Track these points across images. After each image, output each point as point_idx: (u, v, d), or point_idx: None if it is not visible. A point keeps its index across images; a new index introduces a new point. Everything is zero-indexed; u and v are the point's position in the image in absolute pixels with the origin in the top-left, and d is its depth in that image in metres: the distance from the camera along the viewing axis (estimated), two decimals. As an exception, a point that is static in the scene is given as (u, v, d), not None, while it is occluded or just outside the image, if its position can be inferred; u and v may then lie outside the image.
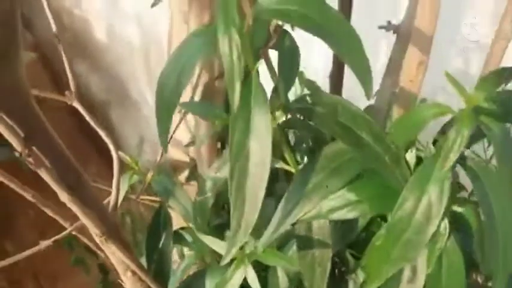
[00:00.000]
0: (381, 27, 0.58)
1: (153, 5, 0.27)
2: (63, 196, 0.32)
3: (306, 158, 0.42)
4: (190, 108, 0.38)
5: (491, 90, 0.26)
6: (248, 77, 0.27)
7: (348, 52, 0.25)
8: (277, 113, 0.33)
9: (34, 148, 0.29)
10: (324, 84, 0.76)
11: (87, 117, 0.36)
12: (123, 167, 0.43)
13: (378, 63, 0.89)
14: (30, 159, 0.28)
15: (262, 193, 0.27)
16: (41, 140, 0.31)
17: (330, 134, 0.31)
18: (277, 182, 0.44)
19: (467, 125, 0.25)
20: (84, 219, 0.34)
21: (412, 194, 0.28)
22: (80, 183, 0.35)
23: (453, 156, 0.25)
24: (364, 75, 0.25)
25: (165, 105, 0.27)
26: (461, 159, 0.30)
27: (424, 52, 0.42)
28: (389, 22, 0.56)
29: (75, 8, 1.64)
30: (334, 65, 0.69)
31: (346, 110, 0.32)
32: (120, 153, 0.40)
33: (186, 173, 0.51)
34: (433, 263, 0.32)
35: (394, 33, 0.56)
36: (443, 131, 0.30)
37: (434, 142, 0.33)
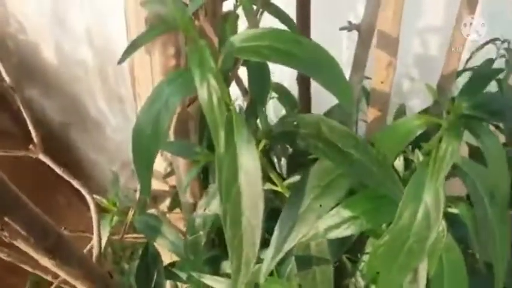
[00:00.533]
0: (342, 29, 0.58)
1: (119, 62, 0.25)
2: (44, 261, 0.30)
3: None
4: (169, 149, 0.37)
5: (475, 96, 0.26)
6: (228, 112, 0.26)
7: (329, 80, 0.25)
8: (262, 141, 0.32)
9: (8, 220, 0.27)
10: (291, 85, 0.76)
11: (56, 169, 0.33)
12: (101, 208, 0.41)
13: (343, 58, 0.91)
14: (5, 233, 0.26)
15: (259, 229, 0.26)
16: (13, 211, 0.28)
17: (316, 155, 0.30)
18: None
19: (455, 135, 0.25)
20: (69, 279, 0.32)
21: (409, 205, 0.28)
22: (59, 243, 0.32)
23: (446, 167, 0.26)
24: (346, 102, 0.25)
25: (144, 158, 0.25)
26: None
27: (391, 54, 0.42)
28: (349, 22, 0.57)
29: (20, 34, 1.55)
30: (300, 72, 0.69)
31: (330, 128, 0.31)
32: (96, 197, 0.38)
33: (167, 202, 0.49)
34: (435, 264, 0.32)
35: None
36: (427, 133, 0.30)
37: (418, 145, 0.33)
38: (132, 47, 0.25)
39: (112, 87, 1.45)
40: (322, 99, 0.76)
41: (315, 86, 0.74)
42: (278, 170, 0.69)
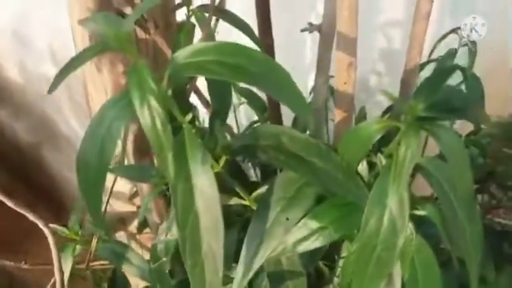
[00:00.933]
0: (302, 30, 0.57)
1: (49, 92, 0.24)
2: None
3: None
4: (124, 173, 0.35)
5: (431, 96, 0.26)
6: (180, 131, 0.25)
7: (283, 94, 0.24)
8: (222, 158, 0.31)
9: None
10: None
11: (9, 203, 0.31)
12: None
13: (307, 60, 0.90)
14: None
15: (221, 254, 0.24)
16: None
17: (279, 167, 0.29)
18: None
19: (413, 138, 0.25)
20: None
21: (374, 212, 0.27)
22: (13, 285, 0.30)
23: (407, 171, 0.25)
24: (302, 112, 0.23)
25: (91, 190, 0.23)
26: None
27: (351, 54, 0.42)
28: (310, 24, 0.56)
29: (-23, 55, 1.49)
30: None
31: (291, 138, 0.30)
32: (57, 227, 0.36)
33: (136, 223, 0.47)
34: (407, 268, 0.32)
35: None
36: (389, 134, 0.29)
37: (380, 149, 0.32)
38: (65, 71, 0.23)
39: (79, 103, 1.41)
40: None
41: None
42: (255, 176, 0.68)
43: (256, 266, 0.31)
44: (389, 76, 0.87)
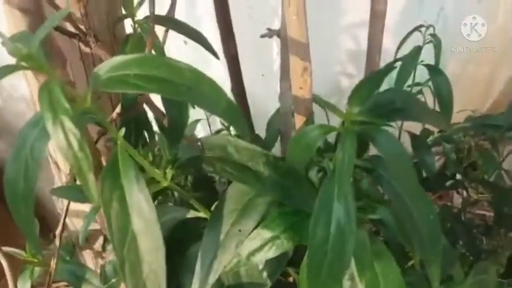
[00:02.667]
0: (262, 36, 0.57)
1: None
2: None
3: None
4: (63, 195, 0.34)
5: (365, 101, 0.25)
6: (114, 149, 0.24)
7: (210, 105, 0.23)
8: (167, 171, 0.30)
9: None
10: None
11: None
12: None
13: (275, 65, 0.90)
14: None
15: (163, 274, 0.24)
16: None
17: (225, 178, 0.29)
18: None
19: (350, 142, 0.24)
20: None
21: (321, 219, 0.27)
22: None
23: (346, 175, 0.25)
24: (235, 122, 0.23)
25: (23, 214, 0.23)
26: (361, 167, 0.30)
27: (304, 59, 0.41)
28: (269, 29, 0.56)
29: None
30: (232, 79, 0.68)
31: (237, 148, 0.30)
32: (14, 250, 0.35)
33: (100, 241, 0.46)
34: (367, 274, 0.31)
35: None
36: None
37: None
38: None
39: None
40: (262, 108, 0.75)
41: (253, 95, 0.73)
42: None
43: (211, 280, 0.30)
44: (361, 77, 0.88)
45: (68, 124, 0.20)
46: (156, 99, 0.44)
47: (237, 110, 0.24)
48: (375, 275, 0.33)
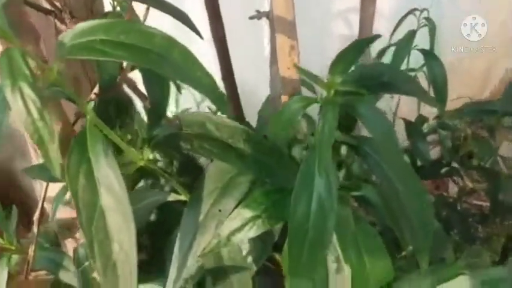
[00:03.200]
0: (251, 18, 0.56)
1: None
2: None
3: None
4: (36, 175, 0.33)
5: (347, 70, 0.24)
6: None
7: (182, 72, 0.22)
8: (145, 150, 0.29)
9: None
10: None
11: None
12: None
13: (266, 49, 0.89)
14: None
15: (134, 254, 0.23)
16: None
17: (206, 157, 0.28)
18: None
19: (331, 114, 0.23)
20: None
21: (302, 196, 0.26)
22: None
23: (327, 147, 0.23)
24: (210, 93, 0.22)
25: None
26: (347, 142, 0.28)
27: (291, 37, 0.40)
28: (258, 11, 0.55)
29: None
30: (222, 67, 0.67)
31: (217, 125, 0.29)
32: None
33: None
34: (349, 249, 0.30)
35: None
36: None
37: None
38: None
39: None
40: (254, 96, 0.74)
41: (244, 83, 0.72)
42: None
43: (190, 262, 0.29)
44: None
45: (27, 91, 0.18)
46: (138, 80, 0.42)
47: (213, 81, 0.23)
48: (360, 254, 0.32)
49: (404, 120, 0.79)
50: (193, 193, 0.30)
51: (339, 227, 0.29)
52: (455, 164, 0.79)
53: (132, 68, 0.39)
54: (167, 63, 0.22)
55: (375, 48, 0.80)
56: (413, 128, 0.78)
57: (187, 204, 0.30)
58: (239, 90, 0.69)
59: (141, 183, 0.42)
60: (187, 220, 0.29)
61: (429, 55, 0.74)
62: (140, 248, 0.45)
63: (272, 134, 0.28)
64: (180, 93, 0.54)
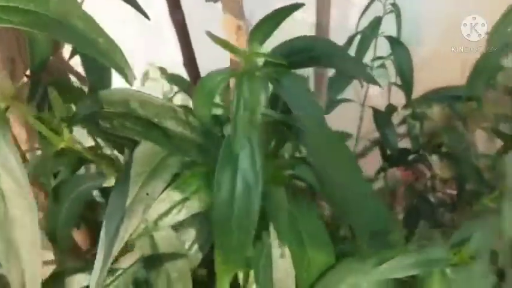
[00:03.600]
0: (207, 0, 0.54)
1: None
2: None
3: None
4: None
5: (266, 39, 0.23)
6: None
7: (86, 44, 0.20)
8: (64, 131, 0.27)
9: None
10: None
11: None
12: None
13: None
14: None
15: (37, 242, 0.21)
16: None
17: (131, 136, 0.26)
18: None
19: (246, 84, 0.22)
20: None
21: (225, 173, 0.24)
22: None
23: (243, 123, 0.22)
24: (119, 69, 0.20)
25: None
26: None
27: (238, 16, 0.39)
28: (212, -7, 0.53)
29: None
30: (184, 52, 0.65)
31: (142, 103, 0.27)
32: None
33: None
34: (286, 233, 0.29)
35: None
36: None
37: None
38: None
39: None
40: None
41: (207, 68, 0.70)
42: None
43: (116, 249, 0.28)
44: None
45: None
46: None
47: (118, 51, 0.21)
48: (301, 239, 0.31)
49: (373, 108, 0.79)
50: (120, 176, 0.28)
51: (273, 208, 0.28)
52: (424, 153, 0.79)
53: (73, 53, 0.38)
54: (65, 30, 0.20)
55: (344, 36, 0.79)
56: (381, 116, 0.77)
57: (113, 188, 0.28)
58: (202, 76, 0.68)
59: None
60: (114, 204, 0.28)
61: (395, 42, 0.73)
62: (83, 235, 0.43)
63: (195, 107, 0.26)
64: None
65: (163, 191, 0.28)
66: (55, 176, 0.39)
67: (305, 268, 0.32)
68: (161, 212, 0.28)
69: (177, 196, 0.28)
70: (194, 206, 0.27)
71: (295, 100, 0.22)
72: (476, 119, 0.76)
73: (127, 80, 0.21)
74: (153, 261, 0.31)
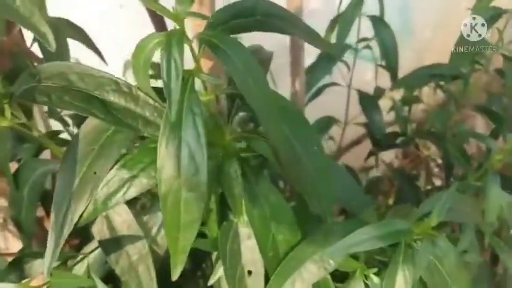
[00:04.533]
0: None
1: None
2: None
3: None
4: None
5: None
6: None
7: (8, 8, 0.19)
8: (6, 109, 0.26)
9: None
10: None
11: None
12: None
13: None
14: None
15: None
16: None
17: (66, 109, 0.25)
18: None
19: (176, 47, 0.20)
20: None
21: (169, 147, 0.23)
22: None
23: (175, 90, 0.21)
24: (38, 29, 0.19)
25: None
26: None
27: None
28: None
29: None
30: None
31: (81, 76, 0.25)
32: None
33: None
34: (242, 211, 0.28)
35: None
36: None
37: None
38: None
39: None
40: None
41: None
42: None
43: (66, 231, 0.26)
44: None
45: None
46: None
47: (38, 15, 0.20)
48: (265, 217, 0.30)
49: (359, 92, 0.77)
50: (66, 156, 0.27)
51: (226, 182, 0.27)
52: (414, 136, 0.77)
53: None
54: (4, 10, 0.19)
55: (328, 18, 0.78)
56: (367, 99, 0.76)
57: (59, 169, 0.27)
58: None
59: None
60: (61, 186, 0.26)
61: (379, 22, 0.71)
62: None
63: (136, 77, 0.24)
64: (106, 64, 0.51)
65: (111, 169, 0.26)
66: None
67: (270, 246, 0.30)
68: (110, 192, 0.26)
69: (125, 174, 0.26)
70: (143, 183, 0.26)
71: (235, 66, 0.21)
72: (467, 99, 0.74)
73: (48, 45, 0.19)
74: (113, 244, 0.30)
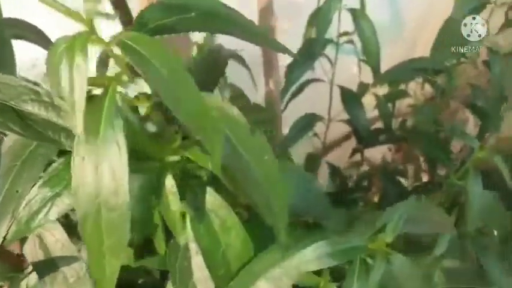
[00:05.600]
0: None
1: None
2: None
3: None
4: None
5: None
6: None
7: None
8: None
9: None
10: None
11: None
12: None
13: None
14: None
15: None
16: None
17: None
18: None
19: (79, 52, 0.18)
20: None
21: (85, 163, 0.20)
22: None
23: (80, 100, 0.18)
24: None
25: None
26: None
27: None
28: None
29: None
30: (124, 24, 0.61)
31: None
32: None
33: None
34: (183, 228, 0.26)
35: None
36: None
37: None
38: None
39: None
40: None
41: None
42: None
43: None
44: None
45: None
46: None
47: None
48: (213, 232, 0.27)
49: (341, 88, 0.74)
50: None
51: (162, 199, 0.24)
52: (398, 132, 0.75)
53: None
54: None
55: (308, 11, 0.75)
56: (350, 95, 0.73)
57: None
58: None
59: None
60: (-19, 205, 0.24)
61: (359, 15, 0.68)
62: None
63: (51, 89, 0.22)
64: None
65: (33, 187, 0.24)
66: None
67: (220, 263, 0.28)
68: (32, 211, 0.24)
69: (47, 192, 0.24)
70: (65, 202, 0.23)
71: (158, 75, 0.18)
72: (455, 93, 0.72)
73: None
74: (47, 266, 0.27)
